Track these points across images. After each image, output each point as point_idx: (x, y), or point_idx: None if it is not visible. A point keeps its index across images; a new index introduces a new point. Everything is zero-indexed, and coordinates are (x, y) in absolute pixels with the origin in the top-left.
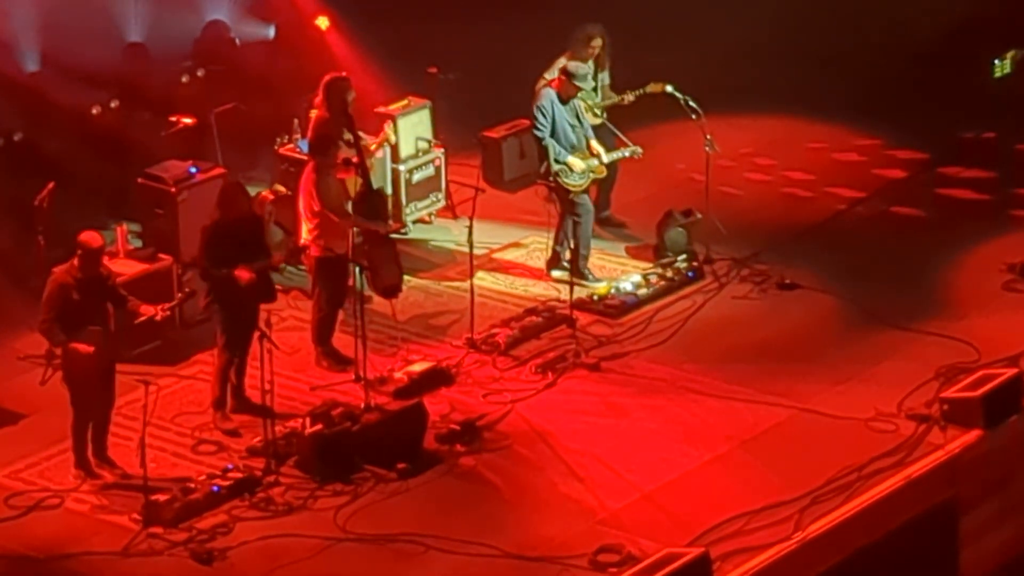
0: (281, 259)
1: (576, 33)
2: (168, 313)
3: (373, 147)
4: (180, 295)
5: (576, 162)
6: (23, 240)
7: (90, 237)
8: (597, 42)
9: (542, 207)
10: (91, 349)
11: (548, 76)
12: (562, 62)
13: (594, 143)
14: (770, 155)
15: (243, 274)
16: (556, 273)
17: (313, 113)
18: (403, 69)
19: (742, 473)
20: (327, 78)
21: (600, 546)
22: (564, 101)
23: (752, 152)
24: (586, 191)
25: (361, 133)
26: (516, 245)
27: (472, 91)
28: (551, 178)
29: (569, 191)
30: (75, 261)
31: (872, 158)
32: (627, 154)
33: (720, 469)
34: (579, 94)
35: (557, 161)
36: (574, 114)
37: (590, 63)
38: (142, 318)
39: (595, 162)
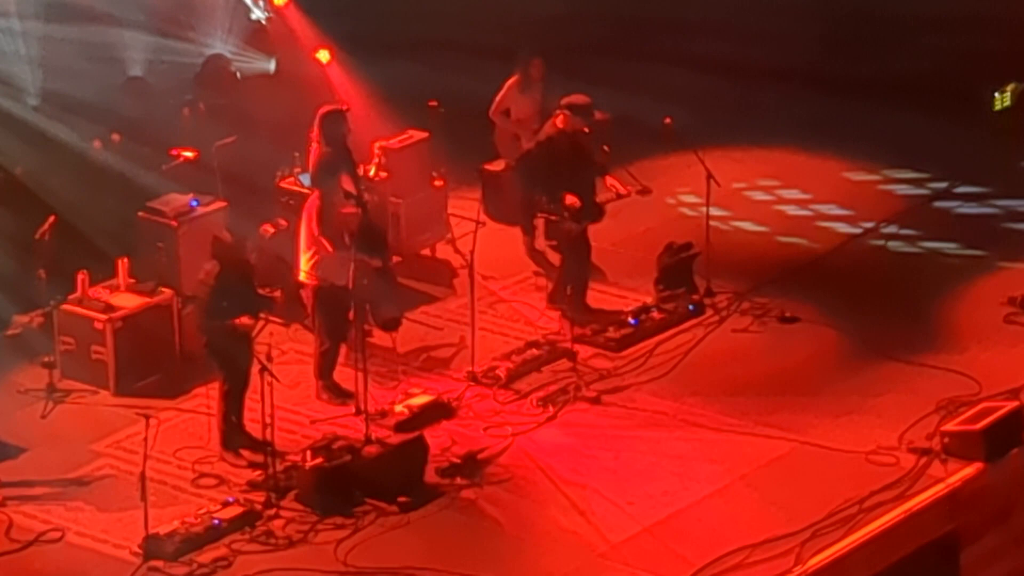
0: (282, 295)
1: (519, 56)
2: None
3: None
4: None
5: (571, 200)
6: (24, 274)
7: None
8: (537, 60)
9: (530, 249)
10: None
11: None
12: (514, 92)
13: (609, 178)
14: (767, 188)
15: (245, 322)
16: (558, 306)
17: (312, 147)
18: (403, 102)
19: (743, 506)
20: (322, 111)
21: None
22: (568, 137)
23: (749, 185)
24: (583, 229)
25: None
26: (520, 280)
27: (473, 124)
28: (547, 214)
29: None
30: None
31: (870, 191)
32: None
33: (721, 502)
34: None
35: (552, 199)
36: (577, 151)
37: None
38: None
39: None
